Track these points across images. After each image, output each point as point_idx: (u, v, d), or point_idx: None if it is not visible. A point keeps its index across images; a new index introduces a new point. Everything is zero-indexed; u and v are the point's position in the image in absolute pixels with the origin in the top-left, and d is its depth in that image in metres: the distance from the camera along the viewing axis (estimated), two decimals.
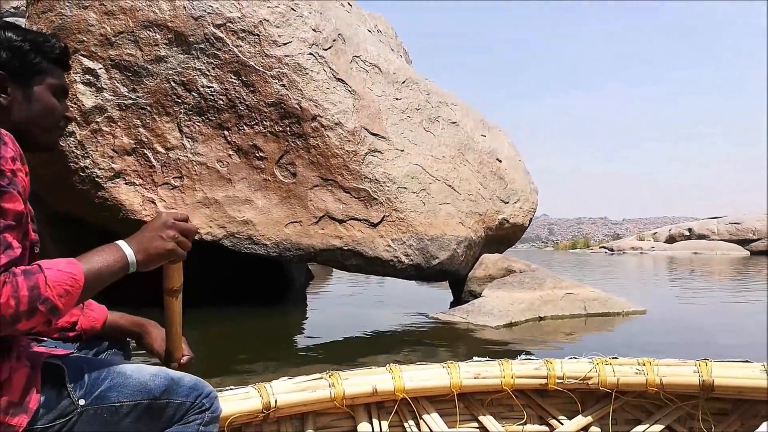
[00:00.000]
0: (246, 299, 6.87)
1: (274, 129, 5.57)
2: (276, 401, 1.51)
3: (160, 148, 5.40)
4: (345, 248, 5.56)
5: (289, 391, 1.56)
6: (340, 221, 5.61)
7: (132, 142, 5.35)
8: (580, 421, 1.76)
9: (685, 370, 1.75)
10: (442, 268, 5.73)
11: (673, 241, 40.91)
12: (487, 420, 1.73)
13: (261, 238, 5.52)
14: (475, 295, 5.93)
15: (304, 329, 5.74)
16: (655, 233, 46.95)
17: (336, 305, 7.60)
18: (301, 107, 5.54)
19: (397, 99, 6.36)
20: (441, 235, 5.76)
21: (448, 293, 6.97)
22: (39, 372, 1.07)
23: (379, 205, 5.66)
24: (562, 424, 1.76)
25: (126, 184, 5.34)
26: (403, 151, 5.99)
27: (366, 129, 5.82)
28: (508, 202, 6.73)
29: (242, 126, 5.53)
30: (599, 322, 5.44)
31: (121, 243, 1.09)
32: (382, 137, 5.92)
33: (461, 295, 6.13)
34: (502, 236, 6.75)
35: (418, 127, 6.39)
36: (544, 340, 4.67)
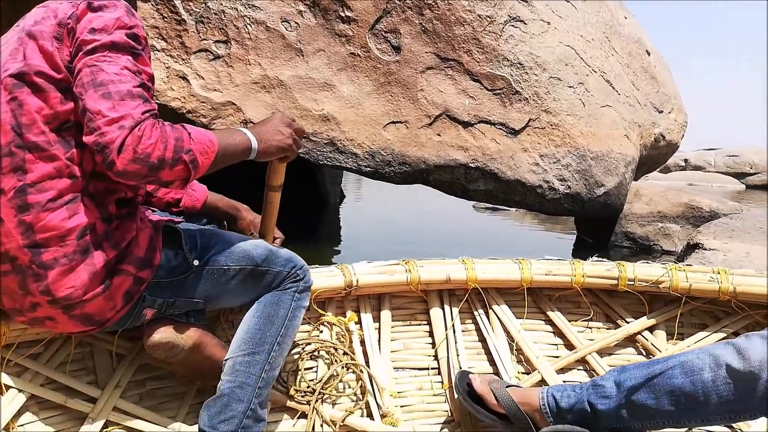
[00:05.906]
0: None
1: None
2: (357, 281, 1.61)
3: None
4: (471, 165, 3.75)
5: (369, 272, 1.64)
6: (466, 124, 3.75)
7: None
8: (646, 321, 1.74)
9: (761, 281, 1.67)
10: (607, 200, 3.99)
11: (668, 171, 40.11)
12: (555, 315, 1.76)
13: (348, 143, 3.64)
14: (635, 239, 4.26)
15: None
16: None
17: (389, 236, 5.84)
18: None
19: None
20: (607, 153, 3.97)
21: (513, 225, 5.26)
22: (160, 234, 1.20)
23: (524, 103, 3.80)
24: (627, 322, 1.74)
25: None
26: (550, 24, 4.05)
27: None
28: (662, 111, 4.93)
29: None
30: None
31: (244, 129, 1.18)
32: (524, 0, 3.96)
33: (609, 238, 4.44)
34: (654, 158, 5.01)
35: None
36: None
